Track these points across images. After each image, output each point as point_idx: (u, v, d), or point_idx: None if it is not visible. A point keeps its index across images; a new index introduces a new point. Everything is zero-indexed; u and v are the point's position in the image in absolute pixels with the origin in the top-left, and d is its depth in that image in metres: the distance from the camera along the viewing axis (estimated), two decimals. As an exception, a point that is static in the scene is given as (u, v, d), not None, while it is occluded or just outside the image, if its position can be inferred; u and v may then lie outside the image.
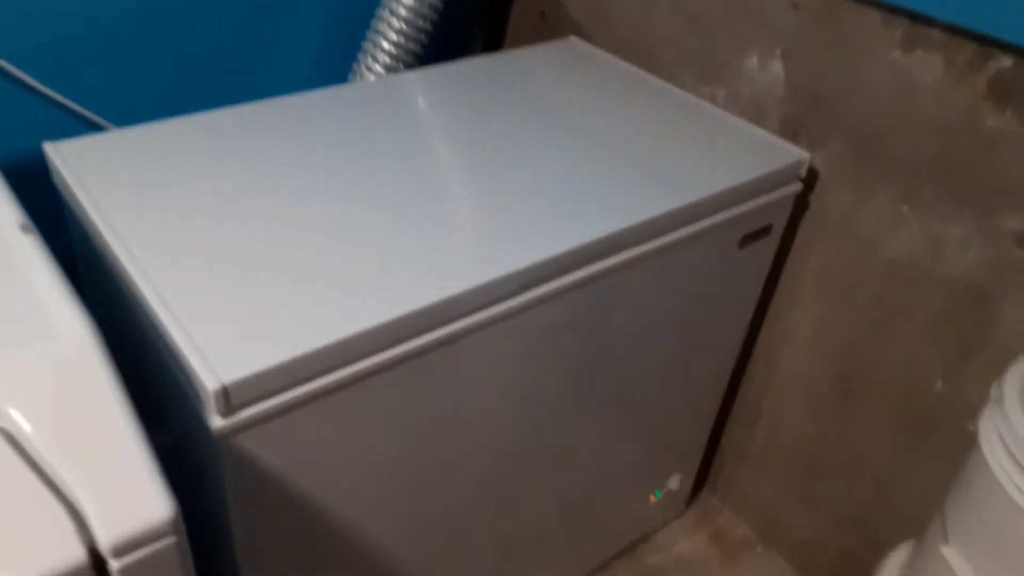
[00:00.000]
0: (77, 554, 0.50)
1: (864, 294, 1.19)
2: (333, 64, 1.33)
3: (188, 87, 1.20)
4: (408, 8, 1.28)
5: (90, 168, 0.93)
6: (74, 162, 0.93)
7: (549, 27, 1.55)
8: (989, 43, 0.96)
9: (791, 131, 1.19)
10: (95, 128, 1.11)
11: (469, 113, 1.14)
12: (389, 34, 1.28)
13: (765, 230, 1.15)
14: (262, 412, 0.71)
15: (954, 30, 0.98)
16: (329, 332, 0.74)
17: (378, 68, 1.29)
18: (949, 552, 0.92)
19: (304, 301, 0.77)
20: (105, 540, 0.52)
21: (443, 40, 1.40)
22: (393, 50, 1.29)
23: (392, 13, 1.28)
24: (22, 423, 0.58)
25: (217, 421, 0.69)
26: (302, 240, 0.85)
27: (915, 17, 1.01)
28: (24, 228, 0.73)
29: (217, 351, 0.70)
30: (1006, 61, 0.95)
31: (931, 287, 1.10)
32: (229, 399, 0.68)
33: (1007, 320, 1.03)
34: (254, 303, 0.77)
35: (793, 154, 1.12)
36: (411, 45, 1.30)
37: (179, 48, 1.17)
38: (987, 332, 1.06)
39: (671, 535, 1.54)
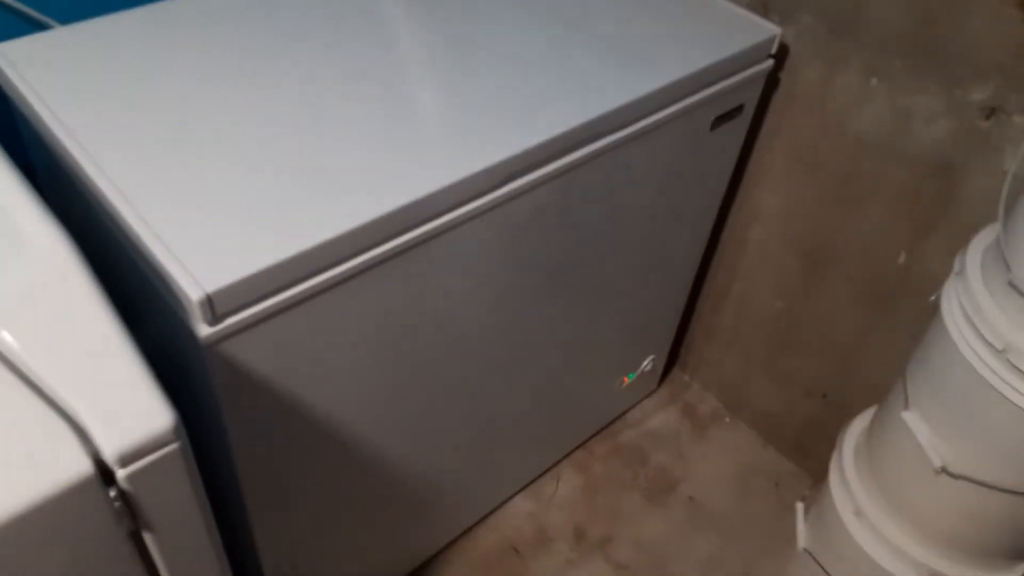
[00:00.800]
0: (84, 466, 0.51)
1: (832, 170, 1.20)
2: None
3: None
4: None
5: (40, 69, 0.88)
6: (22, 64, 0.88)
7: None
8: (964, -92, 0.93)
9: (761, 4, 1.16)
10: (39, 27, 1.04)
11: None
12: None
13: (737, 110, 1.14)
14: (246, 319, 0.72)
15: None
16: (310, 236, 0.73)
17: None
18: (909, 415, 0.97)
19: (278, 204, 0.76)
20: (110, 450, 0.52)
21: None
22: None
23: None
24: (9, 340, 0.57)
25: (204, 330, 0.69)
26: (268, 138, 0.83)
27: None
28: (-20, 140, 0.70)
29: (197, 259, 0.70)
30: (981, -73, 0.93)
31: (897, 161, 1.12)
32: (214, 308, 0.68)
33: (970, 193, 1.05)
34: (226, 207, 0.75)
35: (765, 30, 1.10)
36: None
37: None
38: (950, 206, 1.08)
39: (644, 411, 1.61)
